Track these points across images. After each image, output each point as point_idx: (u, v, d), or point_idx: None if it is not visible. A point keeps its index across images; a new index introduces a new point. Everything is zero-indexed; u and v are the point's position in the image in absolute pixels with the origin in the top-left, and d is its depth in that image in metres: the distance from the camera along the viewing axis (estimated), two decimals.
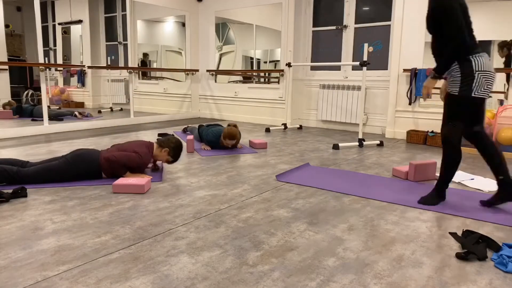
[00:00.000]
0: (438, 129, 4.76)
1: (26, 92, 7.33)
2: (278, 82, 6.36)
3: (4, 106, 6.39)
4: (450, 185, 2.47)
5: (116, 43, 7.64)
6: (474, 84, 2.18)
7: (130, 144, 2.96)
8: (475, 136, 2.36)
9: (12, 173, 2.58)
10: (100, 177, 2.82)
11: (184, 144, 4.33)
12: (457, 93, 2.22)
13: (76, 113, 6.24)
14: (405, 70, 4.95)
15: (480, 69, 2.18)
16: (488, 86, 2.21)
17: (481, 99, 2.23)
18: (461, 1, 2.30)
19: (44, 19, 7.25)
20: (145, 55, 7.83)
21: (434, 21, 2.31)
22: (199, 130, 4.45)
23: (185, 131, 5.21)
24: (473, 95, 2.19)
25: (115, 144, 3.10)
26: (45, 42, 7.32)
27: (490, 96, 5.07)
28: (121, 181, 2.57)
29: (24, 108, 6.30)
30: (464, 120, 2.27)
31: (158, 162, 3.23)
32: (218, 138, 4.03)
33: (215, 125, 4.37)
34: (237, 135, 4.00)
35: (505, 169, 2.28)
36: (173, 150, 3.01)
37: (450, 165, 2.33)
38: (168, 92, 7.52)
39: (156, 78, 8.06)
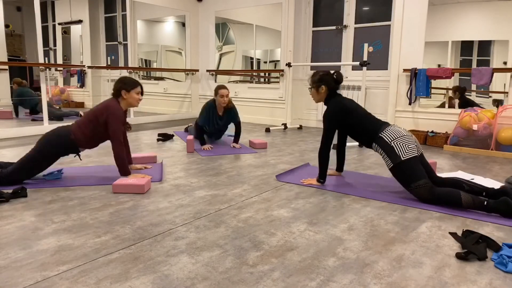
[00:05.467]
0: (438, 129, 4.77)
1: None
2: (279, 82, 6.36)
3: (14, 83, 6.39)
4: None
5: (116, 43, 7.64)
6: (398, 151, 2.42)
7: (99, 111, 2.76)
8: (439, 183, 2.48)
9: None
10: (77, 151, 2.81)
11: (184, 144, 4.34)
12: (394, 163, 2.44)
13: (81, 113, 6.26)
14: (405, 70, 4.94)
15: (393, 138, 2.47)
16: (410, 146, 2.43)
17: (412, 158, 2.41)
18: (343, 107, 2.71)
19: (44, 19, 7.25)
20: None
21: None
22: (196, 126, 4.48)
23: (186, 130, 5.22)
24: (403, 158, 2.40)
25: (85, 117, 2.82)
26: (45, 42, 7.32)
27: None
28: (121, 181, 2.58)
29: (26, 99, 6.27)
30: (425, 176, 2.39)
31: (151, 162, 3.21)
32: (213, 106, 4.16)
33: None
34: (225, 86, 4.17)
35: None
36: (125, 84, 2.80)
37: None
38: (168, 92, 7.52)
39: (156, 78, 8.07)
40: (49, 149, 2.69)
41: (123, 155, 2.77)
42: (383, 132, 2.53)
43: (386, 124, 2.61)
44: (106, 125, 2.72)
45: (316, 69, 6.09)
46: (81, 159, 3.04)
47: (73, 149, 2.79)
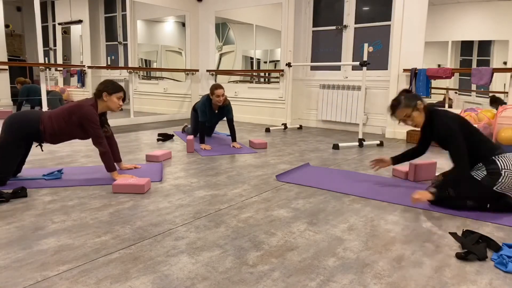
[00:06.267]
0: None
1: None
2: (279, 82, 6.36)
3: (17, 82, 6.37)
4: None
5: (116, 43, 7.64)
6: (499, 180, 2.17)
7: (74, 108, 2.73)
8: None
9: None
10: (40, 141, 2.75)
11: (184, 144, 4.35)
12: (485, 183, 2.20)
13: None
14: (405, 70, 4.94)
15: (507, 168, 2.18)
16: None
17: (501, 194, 2.21)
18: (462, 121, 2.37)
19: (44, 19, 7.25)
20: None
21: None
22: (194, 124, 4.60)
23: (183, 130, 5.22)
24: (496, 189, 2.19)
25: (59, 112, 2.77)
26: (45, 42, 7.32)
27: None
28: (121, 181, 2.58)
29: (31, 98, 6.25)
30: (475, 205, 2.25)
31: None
32: (208, 103, 4.23)
33: None
34: (221, 85, 4.18)
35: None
36: (110, 87, 2.78)
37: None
38: (168, 92, 7.52)
39: (156, 78, 8.07)
40: (14, 134, 2.61)
41: (107, 151, 2.76)
42: (500, 157, 2.23)
43: (501, 148, 2.32)
44: (81, 127, 2.72)
45: (316, 68, 6.10)
46: (42, 150, 2.99)
47: (37, 138, 2.73)
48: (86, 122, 2.70)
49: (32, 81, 7.32)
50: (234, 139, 4.27)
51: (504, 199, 2.23)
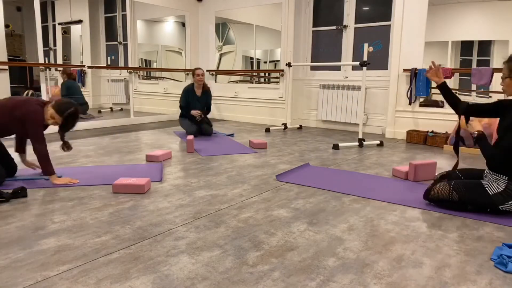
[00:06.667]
0: (438, 129, 4.76)
1: (26, 92, 7.32)
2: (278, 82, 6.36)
3: (63, 73, 6.35)
4: None
5: (116, 43, 7.64)
6: (510, 203, 2.12)
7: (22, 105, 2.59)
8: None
9: None
10: None
11: (184, 144, 4.35)
12: (491, 193, 2.14)
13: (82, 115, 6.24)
14: (405, 70, 4.94)
15: None
16: None
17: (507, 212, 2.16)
18: None
19: (44, 19, 7.24)
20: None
21: None
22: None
23: None
24: (500, 207, 2.14)
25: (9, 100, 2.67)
26: (45, 42, 7.31)
27: (490, 96, 5.09)
28: (121, 181, 2.58)
29: None
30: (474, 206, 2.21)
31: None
32: (191, 88, 4.87)
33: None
34: (200, 67, 4.97)
35: None
36: (62, 105, 2.61)
37: None
38: (168, 92, 7.52)
39: (156, 78, 8.07)
40: None
41: (46, 153, 2.64)
42: None
43: None
44: (22, 123, 2.57)
45: (316, 68, 6.10)
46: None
47: None
48: (28, 120, 2.56)
49: (32, 82, 7.32)
50: (204, 113, 4.91)
51: None
